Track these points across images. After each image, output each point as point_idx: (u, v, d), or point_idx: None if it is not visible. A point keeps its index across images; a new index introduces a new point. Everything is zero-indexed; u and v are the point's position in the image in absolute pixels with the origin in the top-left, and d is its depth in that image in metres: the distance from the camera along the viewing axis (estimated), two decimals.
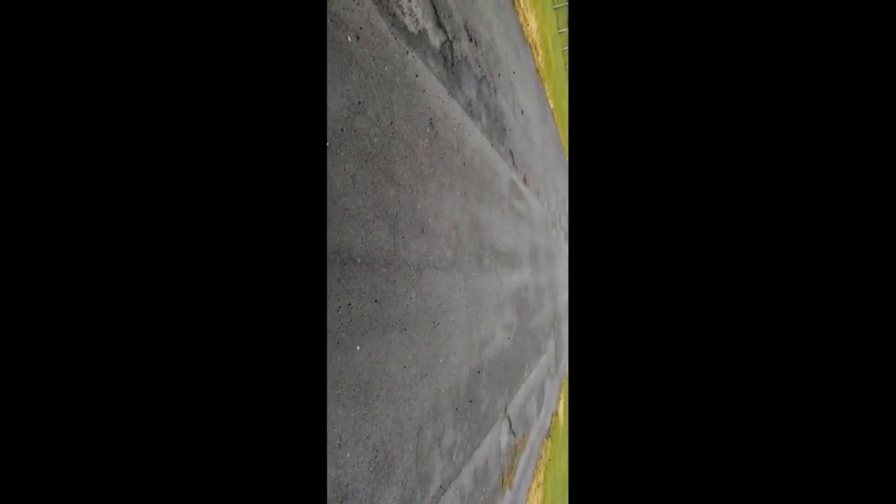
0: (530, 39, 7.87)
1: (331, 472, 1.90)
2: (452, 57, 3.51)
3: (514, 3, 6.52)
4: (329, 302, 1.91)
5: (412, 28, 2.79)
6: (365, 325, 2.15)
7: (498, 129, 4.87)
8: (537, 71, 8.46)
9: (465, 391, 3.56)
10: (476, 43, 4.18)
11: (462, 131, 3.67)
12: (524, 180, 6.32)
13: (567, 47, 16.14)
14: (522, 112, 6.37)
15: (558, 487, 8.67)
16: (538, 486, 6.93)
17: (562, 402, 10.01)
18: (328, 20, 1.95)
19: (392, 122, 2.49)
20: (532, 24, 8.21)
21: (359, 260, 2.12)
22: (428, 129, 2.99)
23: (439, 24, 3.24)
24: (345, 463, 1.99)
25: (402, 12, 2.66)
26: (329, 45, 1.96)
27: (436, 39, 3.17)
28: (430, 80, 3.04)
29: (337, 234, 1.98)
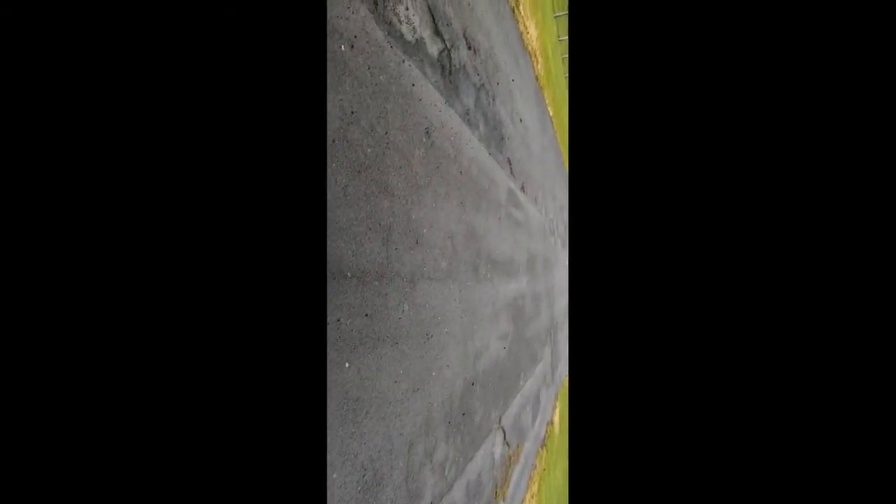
0: (530, 47, 7.87)
1: None
2: (450, 65, 3.48)
3: (514, 11, 6.52)
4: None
5: (409, 36, 2.75)
6: (355, 340, 2.10)
7: (496, 138, 4.84)
8: (537, 79, 8.47)
9: (458, 404, 3.50)
10: (475, 51, 4.16)
11: (459, 140, 3.63)
12: (522, 188, 6.29)
13: (566, 55, 16.21)
14: (521, 120, 6.35)
15: (553, 497, 8.58)
16: (532, 496, 6.84)
17: (557, 411, 9.94)
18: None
19: (387, 132, 2.45)
20: (532, 32, 8.23)
21: (349, 274, 2.06)
22: (424, 139, 2.95)
23: (437, 33, 3.21)
24: (332, 484, 1.93)
25: (399, 20, 2.62)
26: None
27: (433, 48, 3.14)
28: (427, 89, 3.00)
29: (327, 249, 1.93)
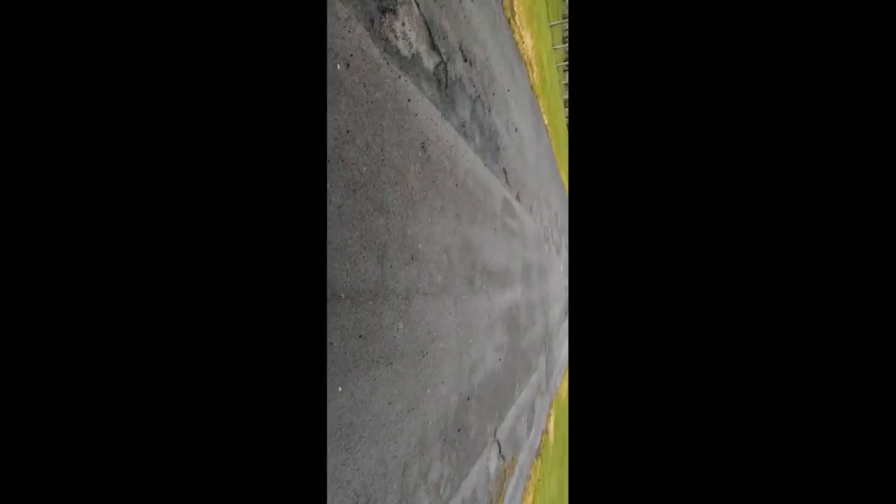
0: (525, 57, 7.91)
1: None
2: (447, 79, 3.47)
3: (509, 22, 6.56)
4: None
5: (405, 52, 2.73)
6: (348, 363, 2.05)
7: (492, 148, 4.84)
8: (532, 88, 8.51)
9: (453, 420, 3.45)
10: (471, 63, 4.16)
11: (455, 153, 3.62)
12: (517, 197, 6.28)
13: (561, 63, 16.34)
14: (516, 130, 6.36)
15: None
16: None
17: (552, 420, 9.90)
18: None
19: (382, 149, 2.42)
20: (527, 42, 8.27)
21: (343, 295, 2.02)
22: (420, 154, 2.92)
23: (434, 47, 3.20)
24: None
25: (396, 36, 2.60)
26: None
27: (430, 62, 3.12)
28: (423, 104, 2.98)
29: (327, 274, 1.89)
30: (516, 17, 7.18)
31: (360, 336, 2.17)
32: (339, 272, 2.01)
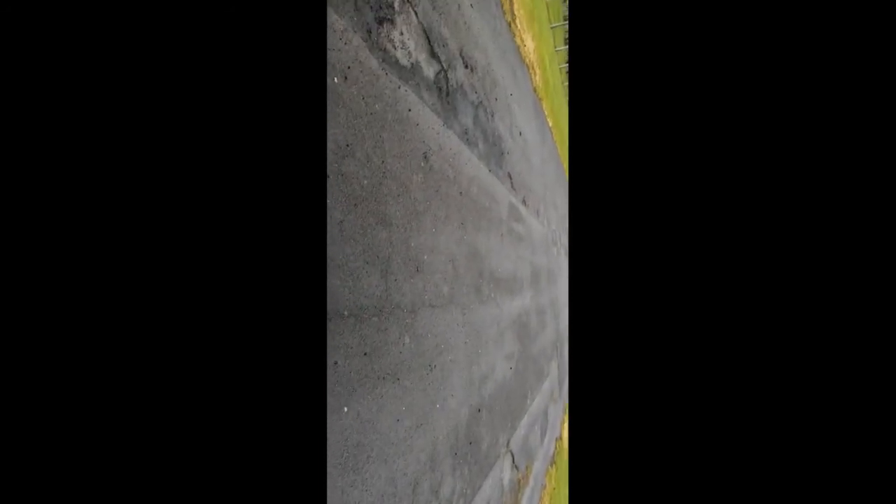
0: (527, 59, 7.87)
1: None
2: (448, 86, 3.43)
3: (510, 26, 6.52)
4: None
5: (405, 61, 2.70)
6: (353, 382, 2.00)
7: (496, 154, 4.78)
8: (535, 90, 8.45)
9: (464, 433, 3.38)
10: (472, 69, 4.12)
11: (458, 161, 3.57)
12: (524, 201, 6.21)
13: (563, 64, 16.26)
14: (521, 133, 6.30)
15: None
16: None
17: (566, 426, 9.74)
18: None
19: (383, 161, 2.38)
20: (529, 45, 8.23)
21: (346, 313, 1.98)
22: (422, 164, 2.88)
23: (433, 55, 3.16)
24: None
25: (394, 46, 2.57)
26: None
27: (430, 70, 3.09)
28: (424, 113, 2.94)
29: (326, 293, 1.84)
30: (517, 21, 7.14)
31: (365, 353, 2.12)
32: (342, 289, 1.97)
